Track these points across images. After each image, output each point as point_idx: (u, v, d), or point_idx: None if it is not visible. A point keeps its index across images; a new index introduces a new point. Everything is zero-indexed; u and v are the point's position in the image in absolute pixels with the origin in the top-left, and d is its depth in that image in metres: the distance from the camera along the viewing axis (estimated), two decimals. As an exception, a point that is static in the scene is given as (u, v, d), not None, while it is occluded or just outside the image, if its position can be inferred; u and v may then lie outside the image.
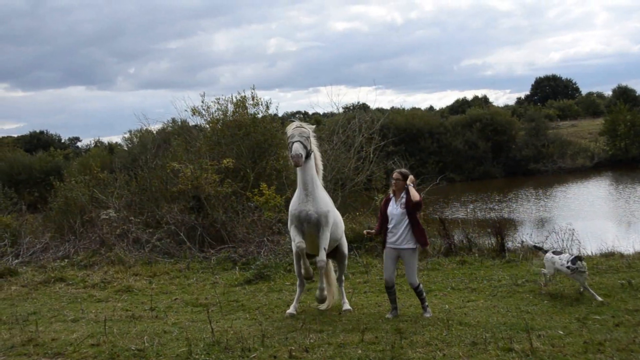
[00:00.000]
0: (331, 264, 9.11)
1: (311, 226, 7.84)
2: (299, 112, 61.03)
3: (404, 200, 7.74)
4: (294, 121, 8.14)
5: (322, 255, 7.84)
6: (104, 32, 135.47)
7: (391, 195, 7.96)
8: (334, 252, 8.73)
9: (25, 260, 13.56)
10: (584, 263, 8.51)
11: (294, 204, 8.02)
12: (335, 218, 8.31)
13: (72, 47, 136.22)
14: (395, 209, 7.78)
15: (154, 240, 13.57)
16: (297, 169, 7.88)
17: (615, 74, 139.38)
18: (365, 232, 8.68)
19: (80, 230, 14.75)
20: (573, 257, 8.56)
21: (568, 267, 8.41)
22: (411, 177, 7.82)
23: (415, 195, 7.66)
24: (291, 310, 8.47)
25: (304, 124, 8.03)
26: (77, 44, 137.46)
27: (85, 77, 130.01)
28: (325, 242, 7.88)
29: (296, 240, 7.89)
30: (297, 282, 8.73)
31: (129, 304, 9.80)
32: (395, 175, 7.94)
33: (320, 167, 8.44)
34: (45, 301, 10.23)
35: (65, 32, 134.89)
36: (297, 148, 7.58)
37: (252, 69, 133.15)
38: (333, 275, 9.06)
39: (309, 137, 7.86)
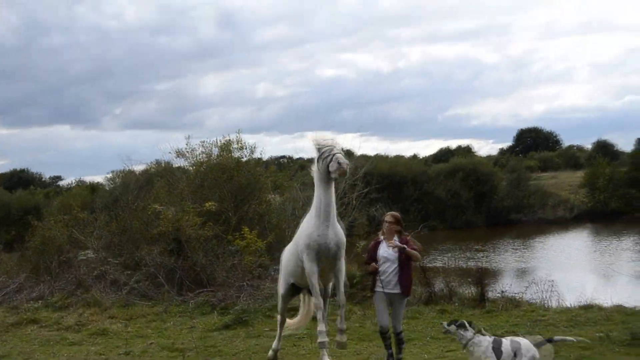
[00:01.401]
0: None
1: (329, 259, 7.34)
2: (284, 157, 61.27)
3: (397, 244, 7.46)
4: (327, 141, 7.33)
5: (342, 296, 7.37)
6: (92, 73, 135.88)
7: (381, 237, 7.63)
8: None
9: (-2, 300, 13.26)
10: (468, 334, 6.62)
11: (311, 233, 7.30)
12: None
13: (60, 86, 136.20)
14: (386, 252, 7.47)
15: (132, 283, 13.38)
16: (321, 189, 7.24)
17: (596, 127, 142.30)
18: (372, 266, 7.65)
19: (57, 271, 14.49)
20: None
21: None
22: (396, 243, 7.40)
23: (417, 257, 7.58)
24: (270, 355, 8.33)
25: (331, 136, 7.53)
26: (65, 83, 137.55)
27: (71, 116, 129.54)
28: (343, 275, 7.42)
29: (317, 300, 7.34)
30: (279, 320, 8.49)
31: (103, 347, 9.61)
32: (387, 218, 7.61)
33: None
34: (15, 344, 10.00)
35: (54, 71, 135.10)
36: (343, 157, 7.05)
37: (239, 112, 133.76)
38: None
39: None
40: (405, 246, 7.37)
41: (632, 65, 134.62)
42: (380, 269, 7.46)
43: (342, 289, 7.43)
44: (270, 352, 8.37)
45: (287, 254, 8.05)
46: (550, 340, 6.73)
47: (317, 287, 7.36)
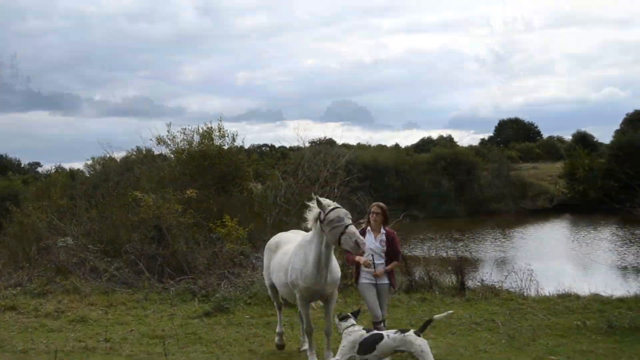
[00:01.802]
0: None
1: (324, 296, 7.31)
2: (265, 145, 61.17)
3: (384, 237, 7.49)
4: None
5: (330, 326, 7.29)
6: (71, 59, 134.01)
7: (366, 226, 7.57)
8: None
9: (-25, 287, 13.07)
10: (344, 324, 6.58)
11: (305, 278, 7.05)
12: None
13: (37, 72, 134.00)
14: (373, 244, 7.41)
15: (112, 270, 13.27)
16: (322, 246, 6.87)
17: (575, 119, 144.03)
18: (364, 260, 7.42)
19: (36, 258, 14.33)
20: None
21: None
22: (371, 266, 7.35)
23: (393, 265, 7.60)
24: (277, 340, 8.30)
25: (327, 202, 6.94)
26: (42, 69, 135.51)
27: (49, 102, 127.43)
28: (333, 305, 7.42)
29: (311, 328, 7.41)
30: (275, 306, 8.47)
31: (83, 334, 9.53)
32: (374, 209, 7.54)
33: None
34: (-7, 330, 9.86)
35: (31, 56, 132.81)
36: (357, 232, 6.58)
37: (219, 100, 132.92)
38: None
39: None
40: (387, 269, 7.45)
41: (611, 57, 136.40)
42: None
43: (330, 318, 7.37)
44: (277, 338, 8.33)
45: (277, 267, 7.78)
46: (430, 321, 6.44)
47: (309, 319, 7.41)
